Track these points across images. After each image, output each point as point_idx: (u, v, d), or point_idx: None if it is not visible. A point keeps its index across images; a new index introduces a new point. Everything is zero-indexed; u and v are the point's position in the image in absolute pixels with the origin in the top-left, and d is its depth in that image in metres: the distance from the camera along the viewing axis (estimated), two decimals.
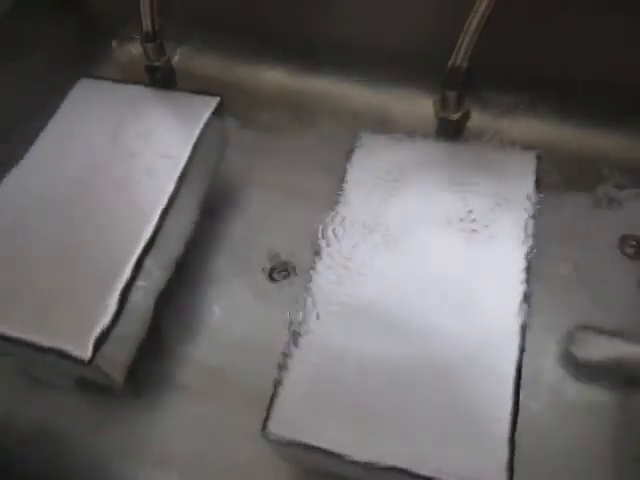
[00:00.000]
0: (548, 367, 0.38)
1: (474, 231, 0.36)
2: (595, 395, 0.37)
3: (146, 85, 0.44)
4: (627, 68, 0.45)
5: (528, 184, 0.37)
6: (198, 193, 0.42)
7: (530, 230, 0.36)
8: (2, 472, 0.38)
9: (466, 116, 0.41)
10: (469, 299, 0.34)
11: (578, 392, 0.37)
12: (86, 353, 0.32)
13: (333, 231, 0.37)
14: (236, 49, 0.54)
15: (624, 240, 0.42)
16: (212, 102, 0.42)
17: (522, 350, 0.32)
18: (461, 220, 0.36)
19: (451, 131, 0.41)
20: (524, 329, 0.32)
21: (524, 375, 0.31)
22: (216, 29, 0.54)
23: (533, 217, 0.36)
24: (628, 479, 0.35)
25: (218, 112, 0.42)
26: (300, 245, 0.42)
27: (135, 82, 0.44)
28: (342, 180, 0.39)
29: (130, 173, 0.39)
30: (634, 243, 0.42)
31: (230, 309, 0.42)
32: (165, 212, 0.37)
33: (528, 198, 0.37)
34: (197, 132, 0.40)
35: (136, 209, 0.37)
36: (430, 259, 0.35)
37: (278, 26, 0.52)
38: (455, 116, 0.40)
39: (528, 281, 0.34)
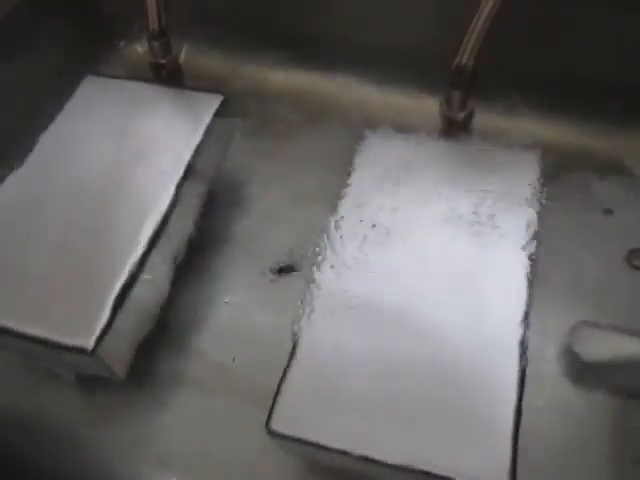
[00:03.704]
0: (550, 366, 0.38)
1: (478, 230, 0.36)
2: (597, 395, 0.37)
3: (151, 83, 0.44)
4: (633, 68, 0.45)
5: (532, 184, 0.38)
6: (202, 190, 0.42)
7: (533, 230, 0.36)
8: (4, 467, 0.38)
9: (471, 115, 0.41)
10: (472, 298, 0.34)
11: (580, 392, 0.37)
12: (88, 344, 0.32)
13: (337, 229, 0.37)
14: (241, 47, 0.55)
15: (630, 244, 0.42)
16: (216, 100, 0.42)
17: (525, 349, 0.32)
18: (465, 219, 0.36)
19: (456, 130, 0.41)
20: (527, 328, 0.32)
21: (527, 374, 0.31)
22: (221, 27, 0.54)
23: (537, 217, 0.36)
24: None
25: (222, 110, 0.42)
26: (304, 243, 0.42)
27: (140, 79, 0.44)
28: (346, 178, 0.39)
29: (135, 170, 0.39)
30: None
31: (234, 306, 0.42)
32: (170, 208, 0.37)
33: (532, 198, 0.37)
34: (201, 130, 0.41)
35: (141, 204, 0.37)
36: (434, 257, 0.35)
37: (283, 24, 0.53)
38: (460, 115, 0.41)
39: (532, 280, 0.34)
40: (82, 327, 0.33)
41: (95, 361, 0.33)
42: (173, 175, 0.38)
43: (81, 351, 0.32)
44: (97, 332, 0.32)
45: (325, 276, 0.35)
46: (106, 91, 0.44)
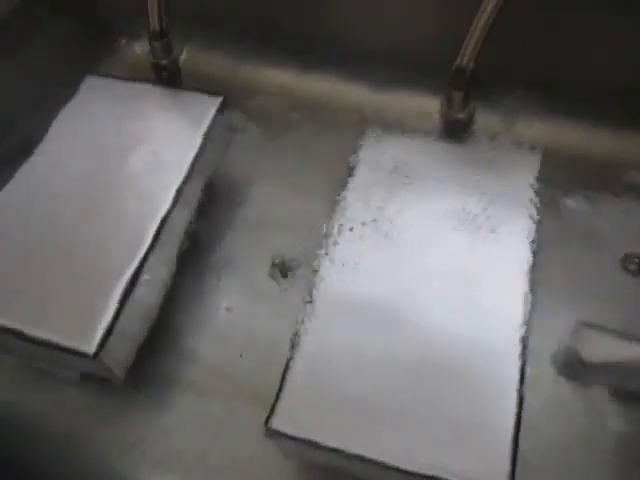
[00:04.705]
0: (550, 367, 0.38)
1: (478, 230, 0.36)
2: (596, 396, 0.37)
3: (152, 83, 0.44)
4: (633, 69, 0.45)
5: (532, 185, 0.38)
6: (200, 190, 0.42)
7: (533, 231, 0.36)
8: (4, 467, 0.38)
9: (471, 116, 0.41)
10: (472, 298, 0.34)
11: (579, 393, 0.37)
12: (90, 347, 0.32)
13: (337, 229, 0.37)
14: (241, 48, 0.55)
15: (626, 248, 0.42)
16: (216, 101, 0.42)
17: (525, 350, 0.32)
18: (465, 219, 0.36)
19: (457, 131, 0.41)
20: (527, 329, 0.32)
21: (526, 375, 0.31)
22: (221, 28, 0.54)
23: (536, 218, 0.36)
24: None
25: (222, 111, 0.42)
26: (304, 243, 0.42)
27: (141, 80, 0.44)
28: (346, 178, 0.39)
29: (135, 170, 0.39)
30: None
31: (234, 306, 0.42)
32: (170, 209, 0.37)
33: (532, 199, 0.37)
34: (201, 131, 0.41)
35: (141, 206, 0.37)
36: (434, 257, 0.35)
37: (283, 25, 0.52)
38: (461, 116, 0.41)
39: (531, 281, 0.34)
40: (84, 330, 0.33)
41: (97, 364, 0.33)
42: (174, 176, 0.38)
43: (83, 354, 0.32)
44: (99, 335, 0.33)
45: (325, 276, 0.35)
46: (107, 91, 0.44)
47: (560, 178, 0.45)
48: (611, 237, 0.43)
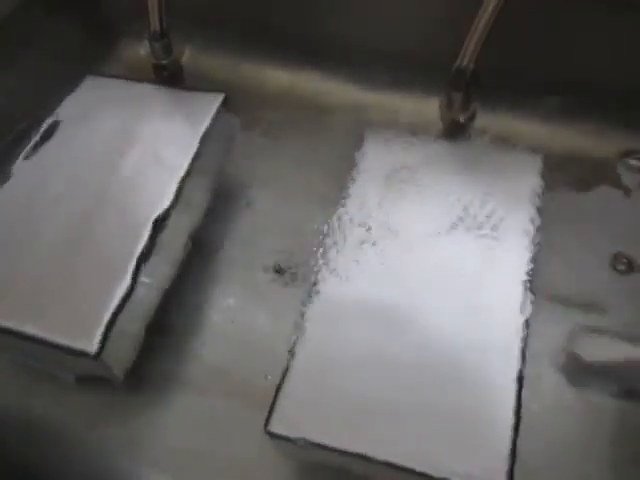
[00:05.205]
0: (549, 368, 0.38)
1: (478, 232, 0.36)
2: (595, 397, 0.37)
3: (152, 83, 0.44)
4: (633, 69, 0.45)
5: (533, 187, 0.38)
6: (204, 190, 0.42)
7: (534, 232, 0.36)
8: (3, 467, 0.38)
9: (472, 117, 0.41)
10: (473, 299, 0.34)
11: (578, 394, 0.37)
12: (92, 347, 0.32)
13: (338, 230, 0.37)
14: (241, 49, 0.55)
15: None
16: (217, 99, 0.42)
17: (525, 351, 0.32)
18: (465, 221, 0.37)
19: (457, 132, 0.41)
20: (527, 330, 0.32)
21: (525, 376, 0.31)
22: (221, 28, 0.54)
23: (537, 219, 0.36)
24: None
25: (223, 109, 0.42)
26: (304, 244, 0.42)
27: (141, 80, 0.44)
28: (347, 180, 0.39)
29: (136, 170, 0.39)
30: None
31: (234, 308, 0.42)
32: (170, 209, 0.37)
33: (533, 201, 0.37)
34: (201, 129, 0.41)
35: (142, 206, 0.37)
36: (435, 258, 0.35)
37: (283, 26, 0.53)
38: (461, 117, 0.41)
39: (532, 282, 0.34)
40: (85, 330, 0.33)
41: (98, 364, 0.33)
42: (175, 175, 0.38)
43: (84, 354, 0.32)
44: (100, 335, 0.33)
45: (325, 277, 0.35)
46: (107, 91, 0.44)
47: (558, 179, 0.45)
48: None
